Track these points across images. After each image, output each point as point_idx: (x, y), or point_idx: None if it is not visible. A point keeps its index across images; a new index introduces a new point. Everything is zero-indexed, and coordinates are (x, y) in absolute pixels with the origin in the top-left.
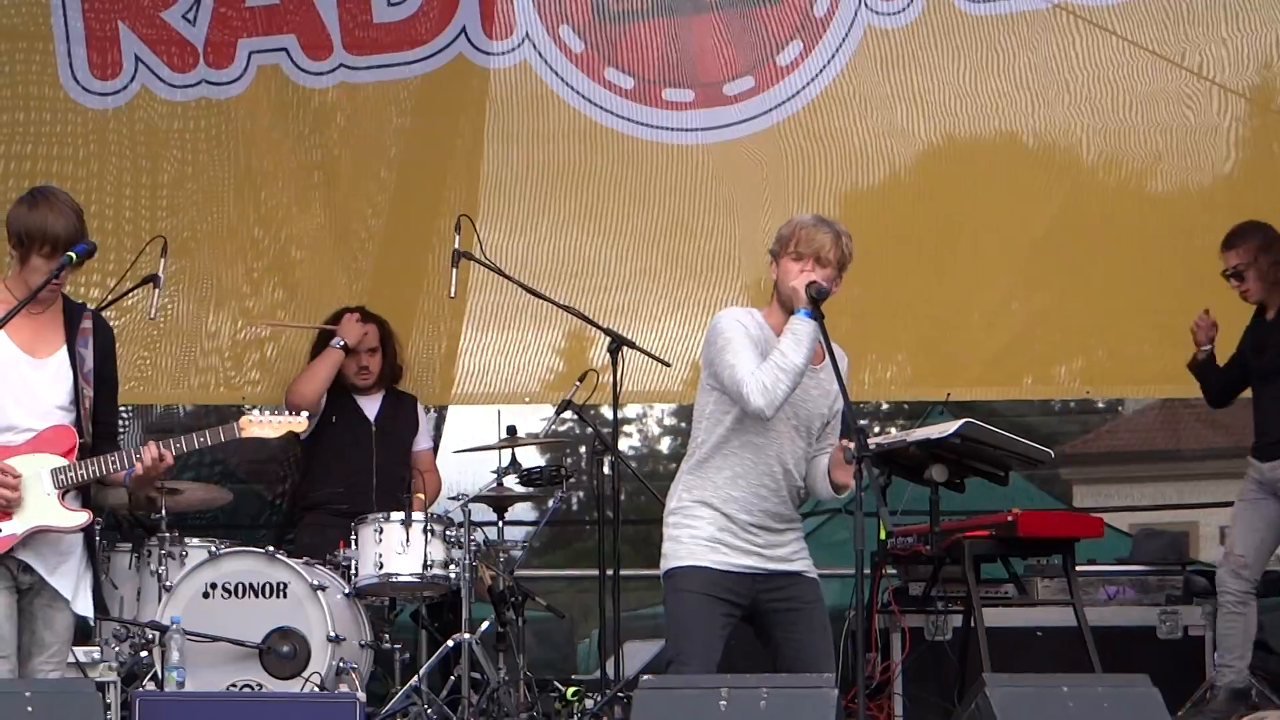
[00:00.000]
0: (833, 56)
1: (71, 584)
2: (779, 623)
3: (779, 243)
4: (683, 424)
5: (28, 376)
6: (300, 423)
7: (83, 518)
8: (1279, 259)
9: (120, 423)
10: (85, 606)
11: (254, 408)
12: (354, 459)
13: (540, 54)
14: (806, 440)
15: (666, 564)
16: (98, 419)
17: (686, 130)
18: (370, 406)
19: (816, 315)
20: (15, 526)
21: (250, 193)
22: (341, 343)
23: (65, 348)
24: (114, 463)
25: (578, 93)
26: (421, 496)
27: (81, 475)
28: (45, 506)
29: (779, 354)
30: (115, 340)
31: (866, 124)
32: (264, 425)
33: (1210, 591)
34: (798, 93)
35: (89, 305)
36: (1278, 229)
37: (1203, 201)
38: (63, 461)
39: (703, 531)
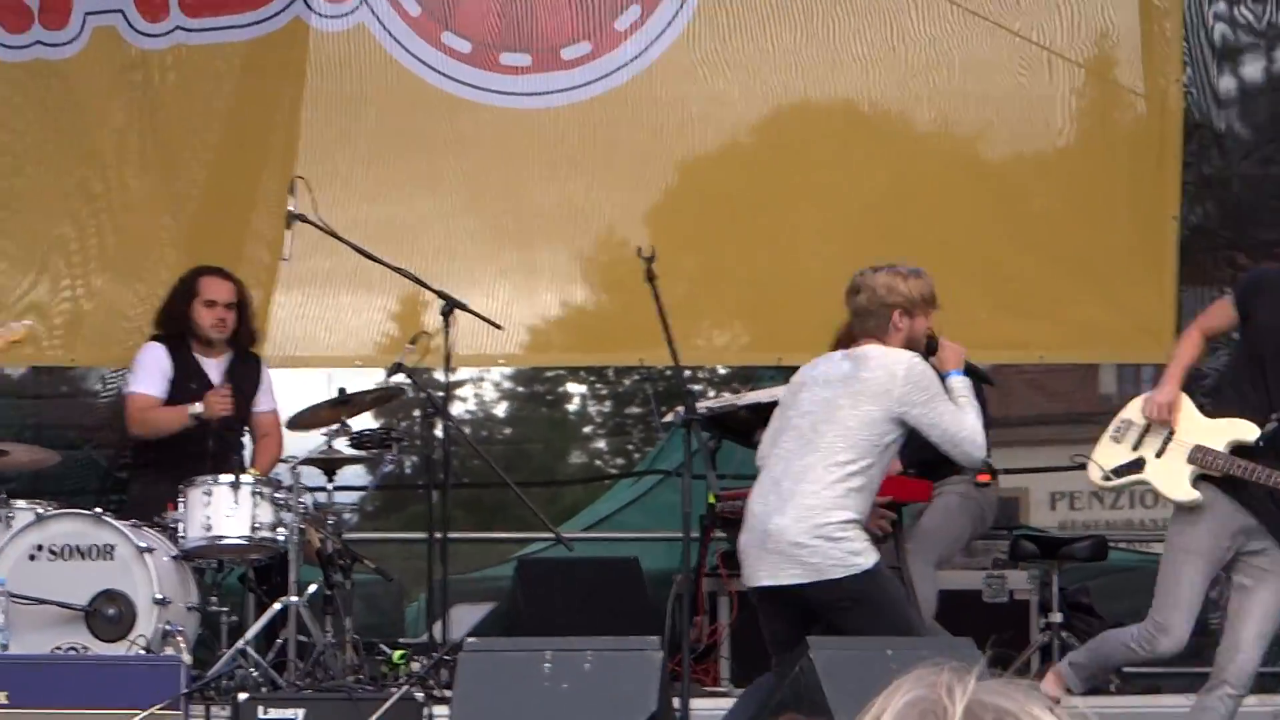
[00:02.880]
0: (670, 22)
1: None
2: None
3: (918, 301)
4: (519, 388)
5: None
6: (17, 331)
7: None
8: None
9: None
10: None
11: None
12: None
13: (377, 17)
14: None
15: (864, 563)
16: None
17: (523, 95)
18: (214, 369)
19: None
20: None
21: (82, 154)
22: (197, 413)
23: None
24: None
25: (414, 56)
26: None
27: None
28: None
29: (972, 415)
30: None
31: (702, 91)
32: None
33: (1037, 555)
34: (635, 58)
35: None
36: (1110, 199)
37: (1037, 170)
38: None
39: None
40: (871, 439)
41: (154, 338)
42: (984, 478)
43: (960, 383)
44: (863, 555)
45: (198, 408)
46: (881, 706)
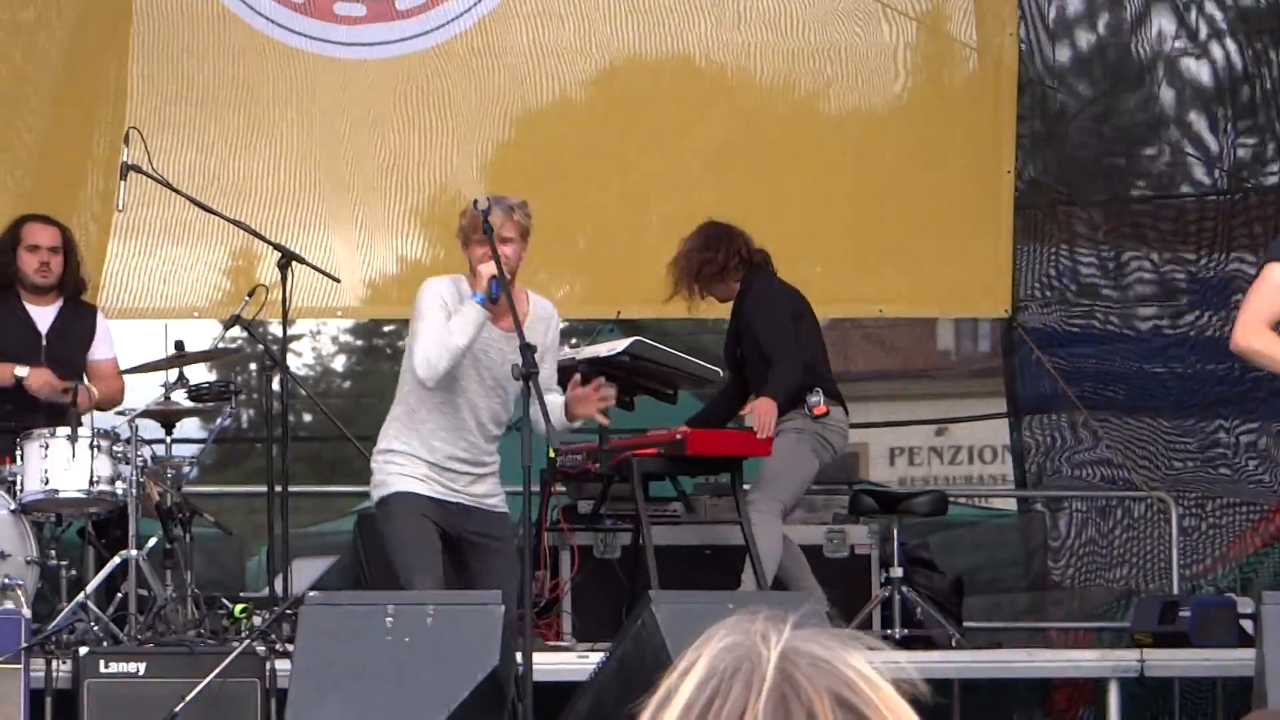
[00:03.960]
0: None
1: None
2: (475, 553)
3: (462, 230)
4: (357, 341)
5: None
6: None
7: None
8: None
9: None
10: None
11: None
12: None
13: None
14: (504, 397)
15: (378, 493)
16: None
17: (358, 45)
18: (44, 319)
19: (498, 296)
20: None
21: None
22: (21, 377)
23: None
24: None
25: (247, 5)
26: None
27: None
28: None
29: (446, 333)
30: None
31: (540, 41)
32: None
33: (877, 510)
34: (470, 8)
35: None
36: (947, 153)
37: (875, 125)
38: None
39: (410, 470)
40: (406, 366)
41: None
42: (819, 410)
43: (469, 307)
44: (380, 487)
45: (24, 371)
46: (695, 654)
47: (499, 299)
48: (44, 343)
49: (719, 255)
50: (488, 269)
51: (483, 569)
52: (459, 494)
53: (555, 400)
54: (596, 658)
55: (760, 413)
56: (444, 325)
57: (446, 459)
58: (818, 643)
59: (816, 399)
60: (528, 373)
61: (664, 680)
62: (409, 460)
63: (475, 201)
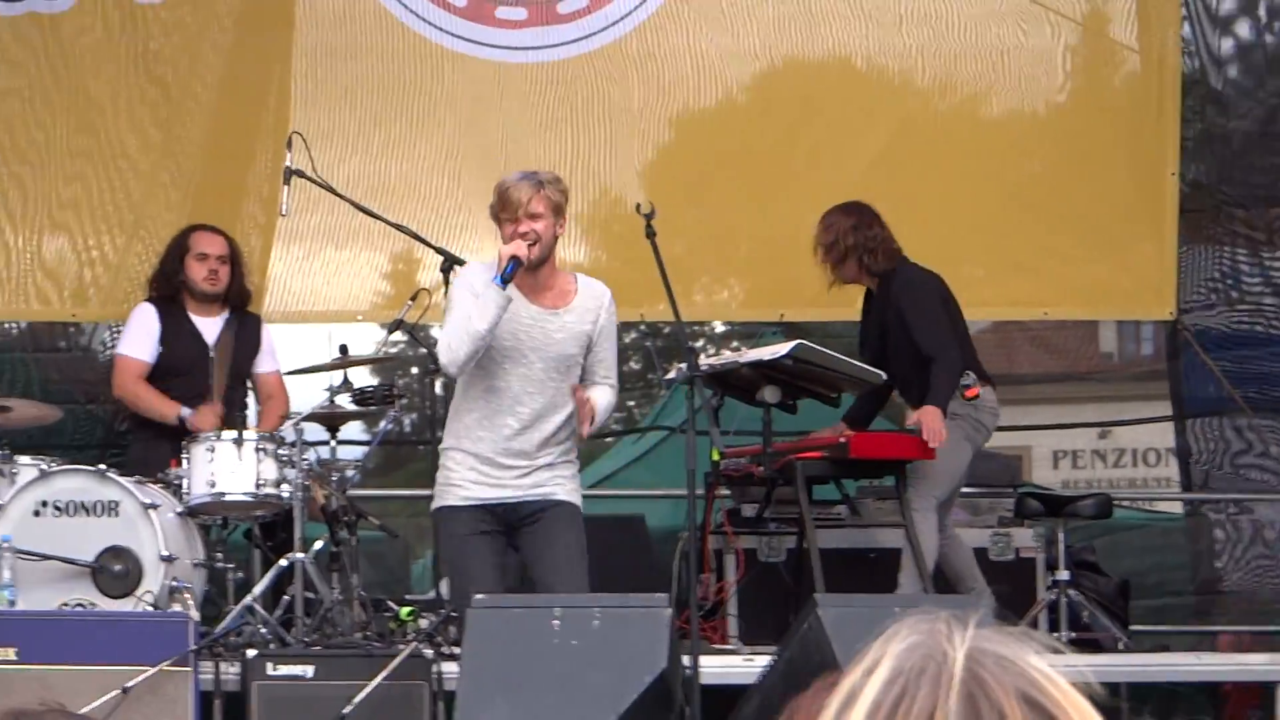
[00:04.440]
0: None
1: None
2: (529, 530)
3: (491, 209)
4: None
5: None
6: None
7: None
8: None
9: None
10: None
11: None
12: (189, 384)
13: None
14: (558, 383)
15: (434, 502)
16: None
17: (518, 49)
18: (210, 330)
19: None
20: None
21: (76, 109)
22: (184, 418)
23: None
24: None
25: (409, 9)
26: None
27: None
28: None
29: (466, 317)
30: None
31: (701, 44)
32: None
33: (1042, 513)
34: (632, 11)
35: None
36: (1109, 155)
37: (1036, 127)
38: None
39: (459, 475)
40: None
41: (147, 299)
42: (971, 393)
43: (489, 289)
44: (435, 496)
45: (187, 413)
46: (878, 654)
47: (510, 278)
48: (211, 354)
49: (876, 233)
50: (507, 249)
51: (546, 551)
52: (509, 487)
53: (603, 394)
54: (762, 661)
55: (928, 424)
56: (467, 312)
57: (494, 452)
58: (1002, 642)
59: (969, 381)
60: (692, 376)
61: (844, 680)
62: (458, 462)
63: (638, 206)
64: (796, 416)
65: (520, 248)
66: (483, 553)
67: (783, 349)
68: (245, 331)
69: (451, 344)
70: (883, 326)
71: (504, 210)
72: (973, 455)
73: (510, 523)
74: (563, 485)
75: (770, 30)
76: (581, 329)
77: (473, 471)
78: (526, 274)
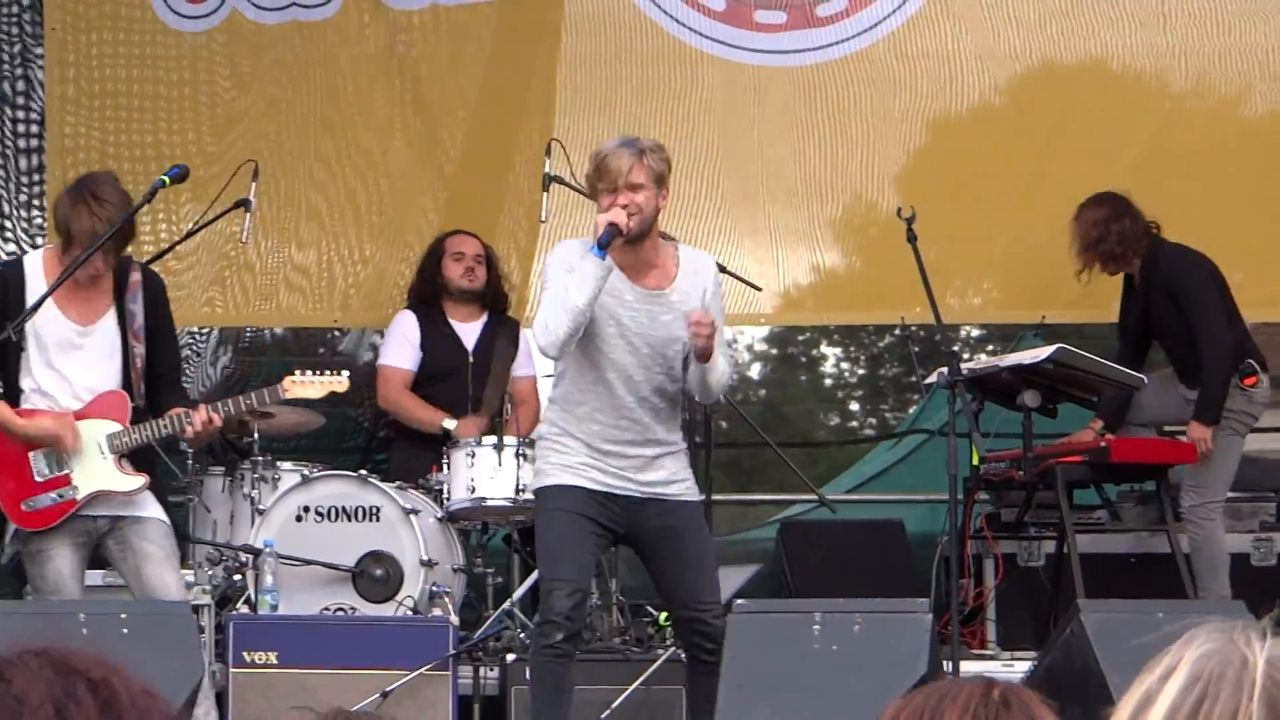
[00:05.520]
0: None
1: (147, 507)
2: (659, 542)
3: (587, 179)
4: (773, 350)
5: (77, 344)
6: (342, 383)
7: (140, 481)
8: None
9: (197, 351)
10: (160, 511)
11: (299, 371)
12: (450, 389)
13: None
14: (665, 366)
15: (534, 483)
16: (158, 370)
17: (777, 53)
18: (469, 335)
19: (608, 242)
20: (77, 492)
21: (338, 116)
22: (449, 429)
23: (113, 309)
24: (165, 428)
25: (669, 15)
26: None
27: (135, 440)
28: (103, 471)
29: (563, 291)
30: (166, 289)
31: (959, 46)
32: (306, 386)
33: None
34: (890, 14)
35: (136, 259)
36: None
37: None
38: (117, 427)
39: (571, 459)
40: None
41: (407, 306)
42: (1250, 381)
43: (585, 261)
44: (537, 475)
45: (452, 424)
46: (1174, 659)
47: (608, 245)
48: (470, 359)
49: (1135, 223)
50: (604, 217)
51: (672, 554)
52: (628, 483)
53: (724, 371)
54: (1021, 666)
55: (1199, 441)
56: (564, 286)
57: (606, 442)
58: None
59: (1248, 369)
60: (954, 380)
61: (1137, 683)
62: (566, 447)
63: (899, 210)
64: (1056, 420)
65: (619, 214)
66: (581, 540)
67: (1044, 353)
68: (504, 336)
69: (549, 323)
70: (1145, 307)
71: (602, 180)
72: (1242, 448)
73: (628, 518)
74: (685, 481)
75: (1029, 31)
76: (688, 309)
77: (589, 458)
78: (627, 250)
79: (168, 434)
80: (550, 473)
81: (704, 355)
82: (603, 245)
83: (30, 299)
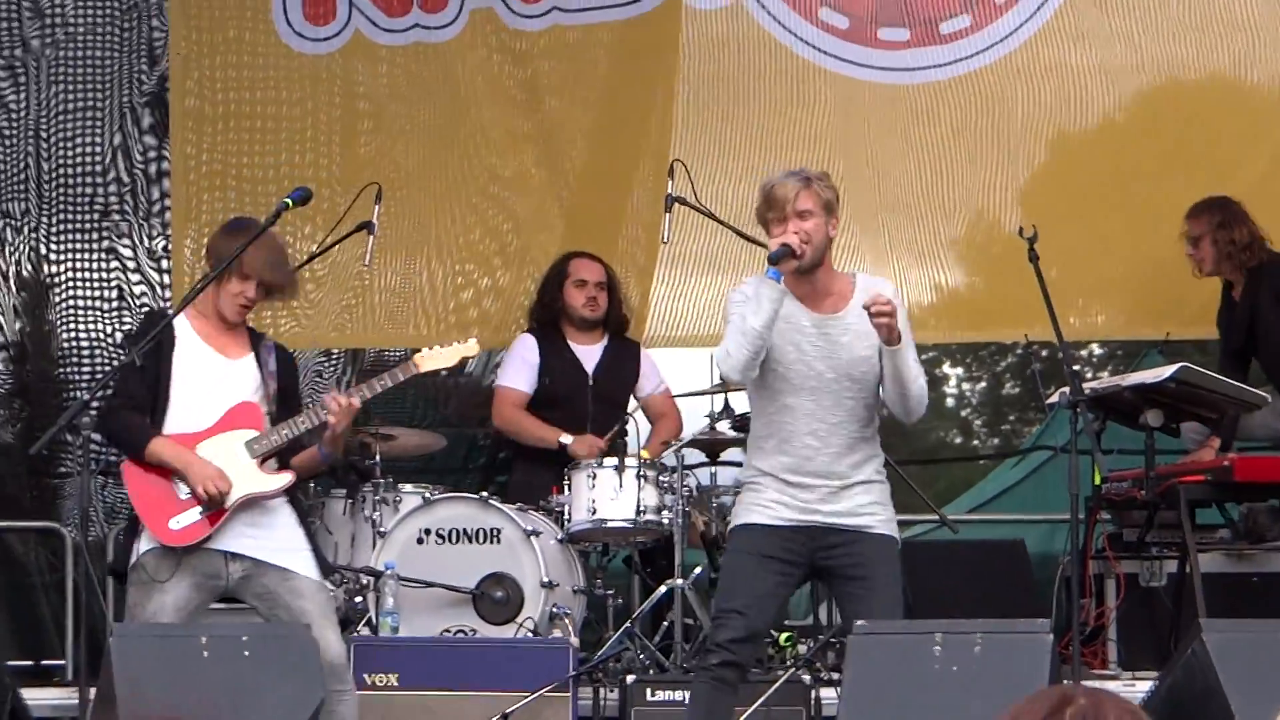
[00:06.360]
0: None
1: (294, 558)
2: (847, 588)
3: (757, 211)
4: None
5: (220, 371)
6: (472, 348)
7: (286, 478)
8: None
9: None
10: (313, 570)
11: (427, 347)
12: (569, 412)
13: None
14: (854, 390)
15: (730, 523)
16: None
17: (900, 70)
18: (589, 358)
19: (779, 259)
20: (224, 500)
21: (461, 138)
22: (564, 444)
23: (252, 355)
24: (303, 422)
25: (792, 33)
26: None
27: (275, 440)
28: (247, 475)
29: (740, 318)
30: (297, 364)
31: (1082, 62)
32: (438, 358)
33: None
34: (1014, 30)
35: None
36: None
37: None
38: (254, 433)
39: (760, 496)
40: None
41: (528, 329)
42: None
43: (758, 285)
44: (733, 515)
45: (569, 439)
46: None
47: (780, 263)
48: (590, 382)
49: (1243, 230)
50: (776, 240)
51: (860, 588)
52: (815, 512)
53: (919, 372)
54: (1143, 686)
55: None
56: (742, 315)
57: (793, 474)
58: None
59: None
60: (1076, 401)
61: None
62: (763, 485)
63: (1020, 229)
64: (1178, 439)
65: (790, 236)
66: (758, 576)
67: (1165, 372)
68: (625, 357)
69: (730, 349)
70: (1251, 320)
71: (771, 210)
72: None
73: (813, 550)
74: (876, 514)
75: (1153, 46)
76: (868, 327)
77: (777, 493)
78: (802, 280)
79: (307, 428)
80: (739, 513)
81: (890, 338)
82: (774, 262)
83: (181, 340)
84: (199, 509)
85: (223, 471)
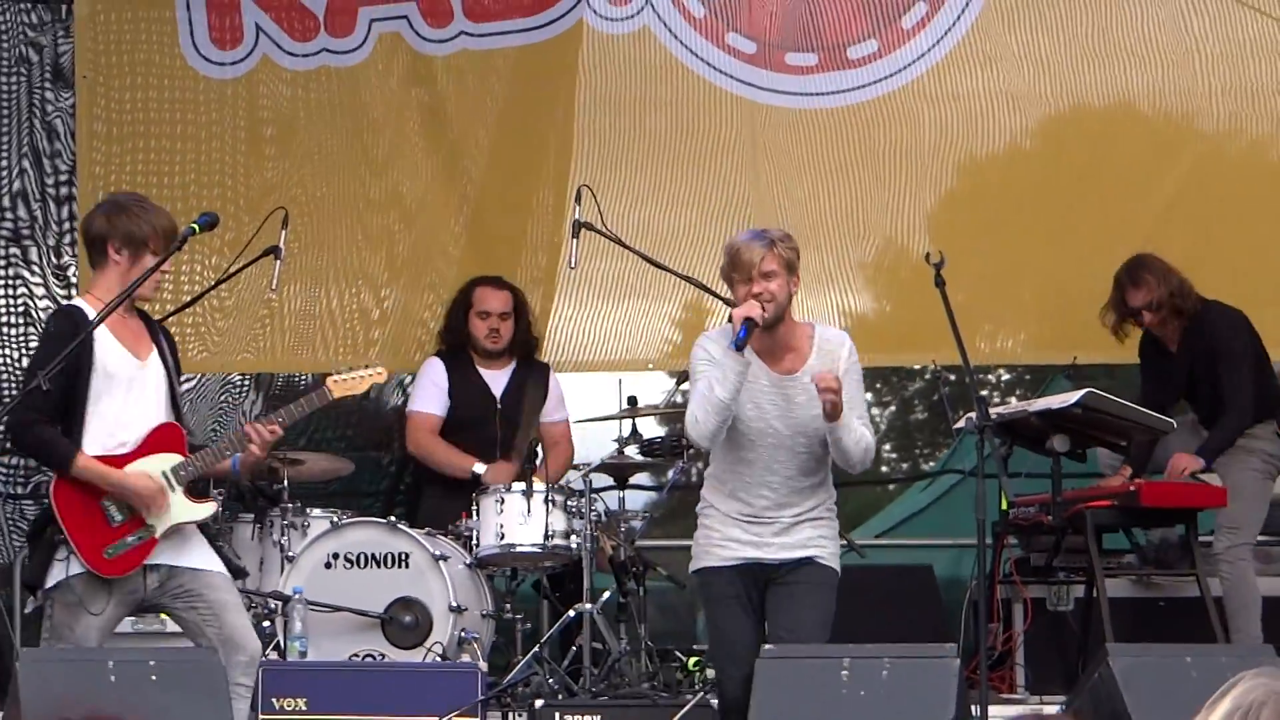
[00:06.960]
0: (959, 17)
1: (204, 559)
2: (773, 591)
3: (722, 270)
4: None
5: (135, 378)
6: (381, 374)
7: (211, 506)
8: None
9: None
10: (223, 569)
11: (339, 373)
12: (477, 436)
13: (662, 19)
14: (808, 445)
15: (692, 563)
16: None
17: (809, 95)
18: (497, 383)
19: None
20: (155, 530)
21: (365, 161)
22: (478, 474)
23: (155, 349)
24: (225, 449)
25: (698, 57)
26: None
27: (199, 467)
28: (175, 504)
29: (709, 387)
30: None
31: (990, 87)
32: (348, 385)
33: None
34: (922, 56)
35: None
36: None
37: None
38: (178, 458)
39: (717, 533)
40: None
41: (436, 352)
42: None
43: (725, 357)
44: (694, 557)
45: (482, 469)
46: (1220, 694)
47: (745, 341)
48: (498, 406)
49: (1185, 287)
50: (740, 311)
51: (786, 596)
52: (768, 544)
53: (861, 435)
54: (1050, 710)
55: (1182, 469)
56: (709, 380)
57: (747, 519)
58: None
59: None
60: (983, 425)
61: None
62: (720, 522)
63: (927, 255)
64: (1084, 464)
65: (754, 308)
66: (744, 627)
67: (1071, 398)
68: (533, 381)
69: (698, 416)
70: (1191, 366)
71: (736, 271)
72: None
73: (767, 581)
74: (824, 546)
75: (1060, 73)
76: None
77: (733, 528)
78: (763, 335)
79: (230, 454)
80: (699, 555)
81: (833, 413)
82: (740, 344)
83: (97, 341)
84: (132, 536)
85: (163, 487)
